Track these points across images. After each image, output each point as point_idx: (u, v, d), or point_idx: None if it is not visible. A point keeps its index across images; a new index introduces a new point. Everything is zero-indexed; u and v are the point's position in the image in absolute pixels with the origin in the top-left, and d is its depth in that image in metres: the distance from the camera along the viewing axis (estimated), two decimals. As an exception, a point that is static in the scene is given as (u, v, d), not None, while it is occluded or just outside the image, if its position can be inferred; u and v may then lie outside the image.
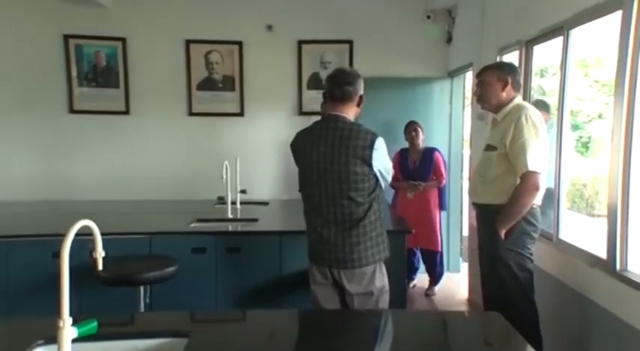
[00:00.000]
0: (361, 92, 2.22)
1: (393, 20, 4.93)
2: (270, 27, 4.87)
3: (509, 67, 2.51)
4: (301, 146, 2.25)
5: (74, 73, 4.74)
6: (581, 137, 6.72)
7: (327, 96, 2.22)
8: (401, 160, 4.46)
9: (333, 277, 2.22)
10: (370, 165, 2.11)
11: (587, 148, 6.40)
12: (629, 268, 2.08)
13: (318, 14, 4.86)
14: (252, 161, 4.54)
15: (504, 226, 2.33)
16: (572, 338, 2.50)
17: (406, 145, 4.51)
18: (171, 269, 2.48)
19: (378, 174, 2.15)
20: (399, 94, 4.92)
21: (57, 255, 2.64)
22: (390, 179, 2.26)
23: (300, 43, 4.92)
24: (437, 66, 4.99)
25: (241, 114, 4.94)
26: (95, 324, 1.14)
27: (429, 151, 4.47)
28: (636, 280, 1.97)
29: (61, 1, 4.51)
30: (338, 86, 2.18)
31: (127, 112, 4.83)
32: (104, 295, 2.58)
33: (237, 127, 4.93)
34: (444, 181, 4.47)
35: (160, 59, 4.83)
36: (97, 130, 4.81)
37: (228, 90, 4.94)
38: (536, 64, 3.19)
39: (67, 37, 4.68)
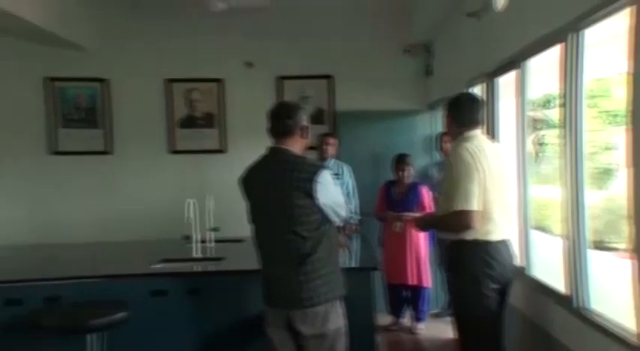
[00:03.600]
0: (303, 123, 2.19)
1: (372, 55, 4.97)
2: (250, 64, 4.93)
3: (451, 102, 2.49)
4: (248, 181, 2.23)
5: (56, 114, 4.80)
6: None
7: (270, 130, 2.20)
8: (386, 191, 4.42)
9: (286, 318, 2.14)
10: (313, 197, 2.05)
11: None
12: (589, 305, 1.98)
13: (298, 50, 4.91)
14: (233, 197, 4.48)
15: (422, 223, 2.46)
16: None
17: (392, 177, 4.47)
18: (120, 315, 2.38)
19: (325, 208, 2.09)
20: (383, 127, 4.94)
21: (9, 302, 2.60)
22: (343, 214, 2.19)
23: (280, 78, 4.97)
24: (418, 99, 5.01)
25: (223, 150, 4.95)
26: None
27: (415, 185, 4.40)
28: (594, 319, 1.87)
29: (43, 44, 4.59)
30: (277, 120, 2.17)
31: (109, 152, 4.86)
32: (59, 345, 2.49)
33: (219, 163, 4.92)
34: (430, 215, 4.38)
35: (142, 99, 4.89)
36: (80, 170, 4.83)
37: (209, 127, 4.97)
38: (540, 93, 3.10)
39: (48, 80, 4.77)
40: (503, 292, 2.31)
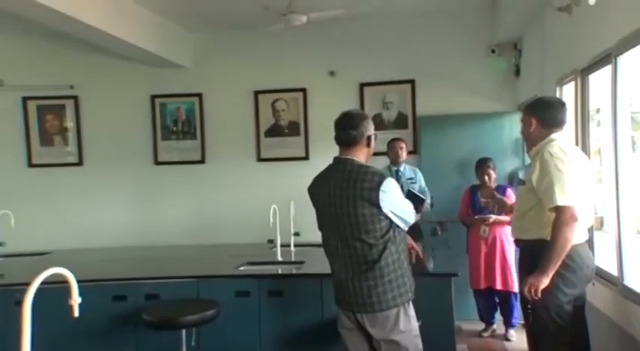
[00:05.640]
0: (369, 133, 2.19)
1: (455, 57, 4.86)
2: (332, 73, 5.04)
3: (534, 105, 2.42)
4: (315, 190, 2.29)
5: (159, 128, 5.26)
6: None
7: (335, 140, 2.24)
8: (471, 196, 4.31)
9: (357, 321, 2.19)
10: (379, 206, 2.07)
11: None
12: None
13: (379, 56, 4.94)
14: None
15: (545, 272, 2.08)
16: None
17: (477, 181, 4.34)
18: (210, 312, 2.57)
19: (391, 215, 2.10)
20: (469, 130, 4.78)
21: (116, 298, 2.91)
22: (410, 220, 2.19)
23: (362, 85, 5.02)
24: (505, 100, 4.81)
25: (306, 157, 5.10)
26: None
27: (501, 189, 4.24)
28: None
29: (150, 65, 5.07)
30: (342, 130, 2.19)
31: (202, 161, 5.23)
32: (158, 338, 2.75)
33: (302, 170, 5.05)
34: (515, 218, 4.19)
35: (232, 110, 5.20)
36: (178, 179, 5.23)
37: (293, 135, 5.15)
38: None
39: (153, 97, 5.25)
40: (580, 299, 2.16)
